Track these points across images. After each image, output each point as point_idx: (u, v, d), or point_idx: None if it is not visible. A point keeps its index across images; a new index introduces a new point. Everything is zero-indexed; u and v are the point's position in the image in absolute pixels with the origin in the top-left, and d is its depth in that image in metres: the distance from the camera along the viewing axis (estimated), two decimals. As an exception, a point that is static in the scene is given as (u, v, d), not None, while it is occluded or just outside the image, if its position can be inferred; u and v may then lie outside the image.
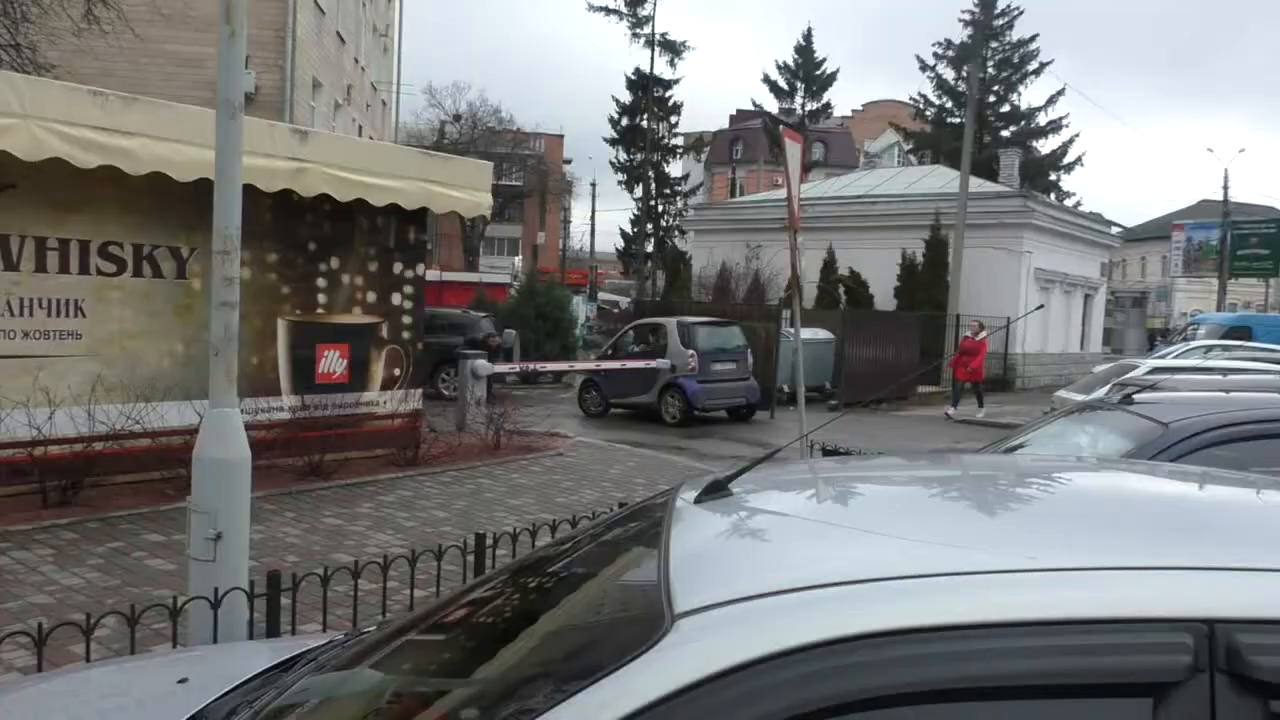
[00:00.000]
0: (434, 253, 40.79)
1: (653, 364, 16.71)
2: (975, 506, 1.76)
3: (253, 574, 4.94)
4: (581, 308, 35.63)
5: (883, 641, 1.28)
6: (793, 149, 8.74)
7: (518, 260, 62.84)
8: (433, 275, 24.46)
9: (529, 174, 61.67)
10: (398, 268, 11.16)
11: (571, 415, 17.19)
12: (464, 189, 10.84)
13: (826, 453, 8.76)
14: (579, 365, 17.28)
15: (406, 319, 11.25)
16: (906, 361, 22.71)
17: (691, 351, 16.88)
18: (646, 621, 1.39)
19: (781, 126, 8.25)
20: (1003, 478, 2.05)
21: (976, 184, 28.60)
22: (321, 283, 10.50)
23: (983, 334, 19.87)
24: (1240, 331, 23.50)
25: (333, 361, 10.62)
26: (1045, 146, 48.59)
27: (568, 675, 1.42)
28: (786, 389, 20.33)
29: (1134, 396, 4.97)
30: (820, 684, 1.25)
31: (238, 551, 4.86)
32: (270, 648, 2.94)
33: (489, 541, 5.61)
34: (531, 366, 17.55)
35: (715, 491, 1.91)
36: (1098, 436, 4.82)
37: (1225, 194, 48.43)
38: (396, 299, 11.16)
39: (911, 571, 1.38)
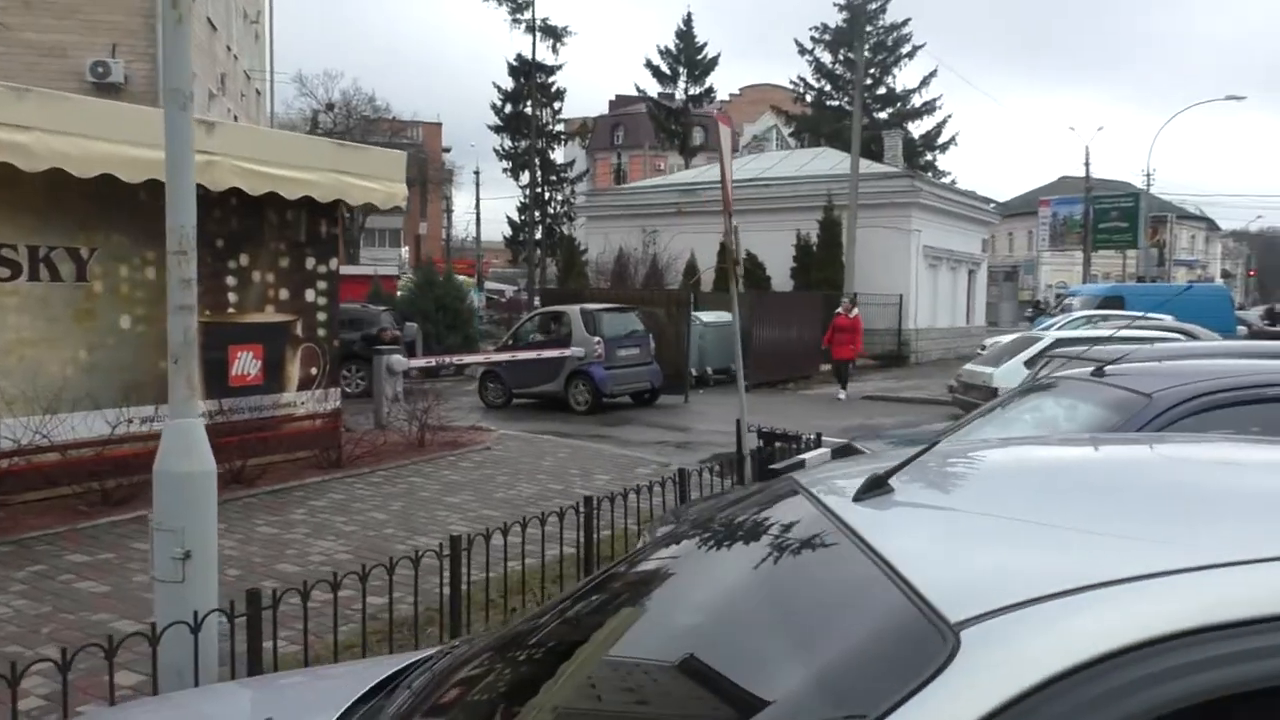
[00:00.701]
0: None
1: (566, 352, 16.58)
2: (1162, 495, 1.72)
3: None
4: (473, 297, 35.13)
5: (1199, 639, 1.23)
6: (725, 133, 8.72)
7: (404, 251, 61.56)
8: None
9: (408, 163, 60.50)
10: (310, 263, 10.78)
11: (475, 408, 16.91)
12: (378, 180, 10.53)
13: (765, 435, 8.84)
14: (495, 356, 16.98)
15: (321, 315, 10.89)
16: (810, 340, 23.13)
17: (597, 338, 16.90)
18: (909, 638, 1.30)
19: (715, 112, 8.23)
20: (1155, 461, 2.02)
21: (865, 165, 29.22)
22: (231, 281, 10.05)
23: (855, 310, 19.88)
24: (1114, 301, 24.58)
25: (247, 363, 10.19)
26: (921, 128, 50.06)
27: (825, 713, 1.31)
28: (695, 372, 20.55)
29: (1105, 369, 5.07)
30: (1151, 687, 1.19)
31: (207, 570, 4.59)
32: (317, 675, 2.74)
33: (464, 544, 5.43)
34: (447, 360, 17.19)
35: (876, 489, 1.83)
36: (1075, 409, 4.90)
37: (1087, 170, 50.54)
38: (310, 295, 10.78)
39: (1172, 567, 1.33)
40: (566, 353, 16.75)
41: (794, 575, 1.74)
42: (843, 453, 6.78)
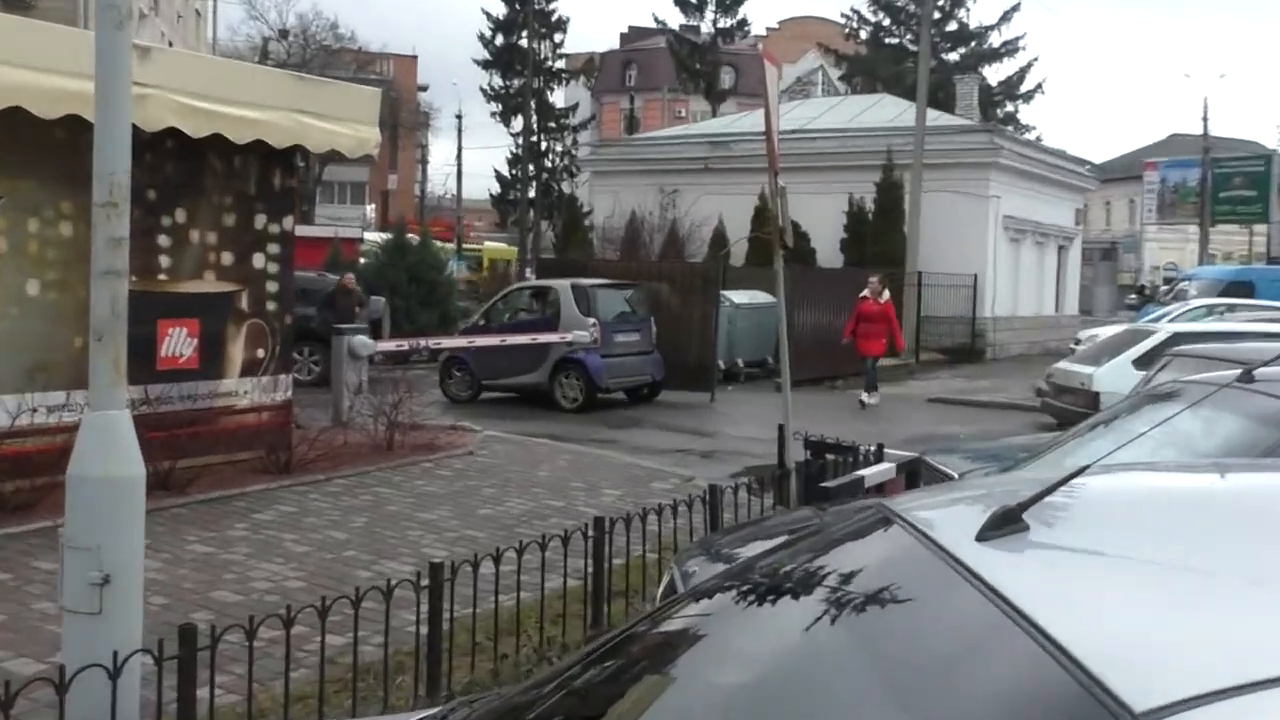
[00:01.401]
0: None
1: (564, 336, 16.54)
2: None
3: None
4: (453, 267, 35.18)
5: None
6: (771, 73, 8.64)
7: (369, 209, 61.69)
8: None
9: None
10: (260, 221, 10.72)
11: (435, 401, 16.87)
12: (347, 122, 10.45)
13: (813, 445, 8.75)
14: (479, 341, 16.92)
15: (272, 286, 10.84)
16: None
17: (593, 320, 16.96)
18: None
19: (760, 48, 8.03)
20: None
21: (933, 116, 29.10)
22: (164, 241, 9.99)
23: (886, 294, 19.34)
24: (1241, 288, 24.36)
25: (179, 342, 10.14)
26: (1000, 72, 49.83)
27: None
28: (723, 365, 20.49)
29: (1254, 373, 4.97)
30: None
31: (130, 600, 4.53)
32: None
33: (446, 574, 5.35)
34: (421, 344, 17.11)
35: (1006, 526, 1.73)
36: (1215, 423, 4.81)
37: (1205, 127, 50.22)
38: (259, 260, 10.73)
39: None
40: (566, 337, 16.69)
41: (909, 642, 1.63)
42: (912, 470, 6.70)
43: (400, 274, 23.63)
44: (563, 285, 17.69)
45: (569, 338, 16.72)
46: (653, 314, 18.32)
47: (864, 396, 18.63)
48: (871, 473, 7.44)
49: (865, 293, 19.07)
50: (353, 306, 19.13)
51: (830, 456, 8.30)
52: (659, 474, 11.44)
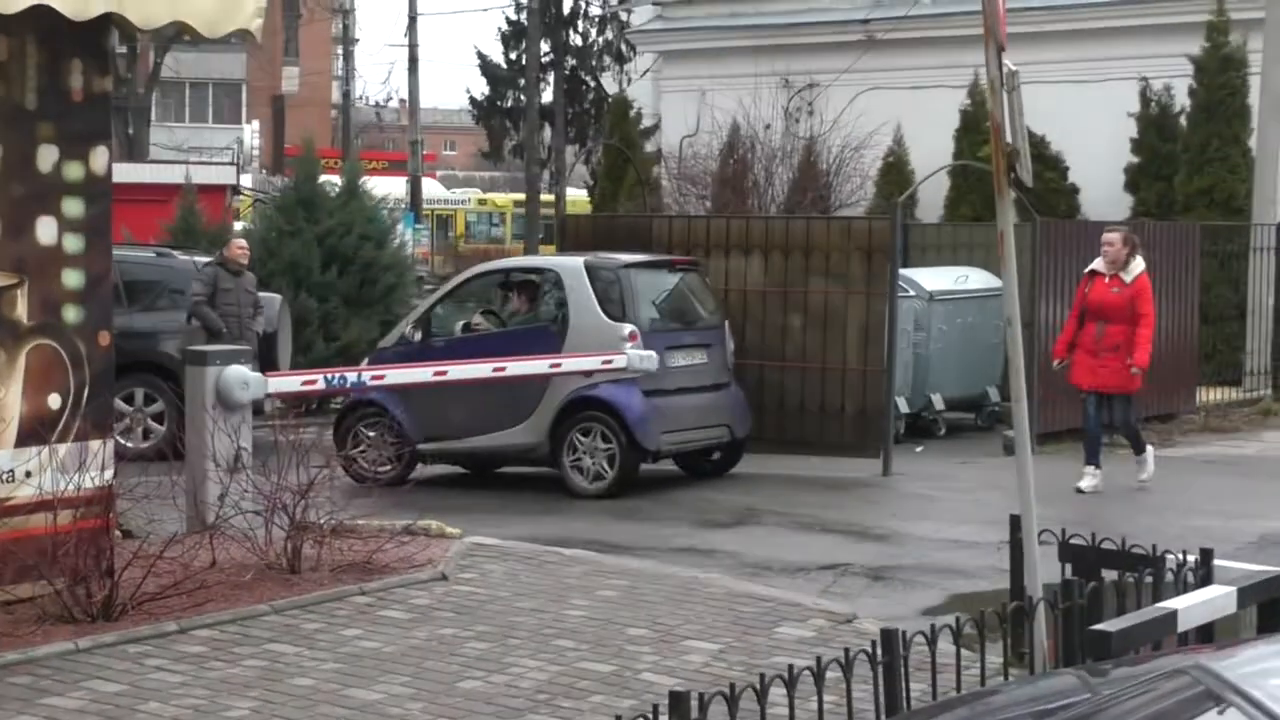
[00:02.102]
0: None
1: (613, 360, 16.67)
2: None
3: None
4: (407, 234, 35.43)
5: None
6: None
7: (250, 132, 62.33)
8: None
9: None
10: (48, 157, 10.86)
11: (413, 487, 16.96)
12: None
13: (1074, 553, 8.71)
14: (472, 372, 16.87)
15: (73, 276, 10.99)
16: (1173, 333, 23.16)
17: (630, 328, 17.28)
18: None
19: None
20: None
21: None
22: None
23: (1137, 265, 17.67)
24: None
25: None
26: None
27: None
28: (906, 409, 20.43)
29: None
30: None
31: None
32: None
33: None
34: (346, 378, 17.08)
35: None
36: None
37: None
38: (48, 231, 10.85)
39: None
40: (610, 360, 16.74)
41: None
42: (1271, 601, 6.64)
43: (307, 250, 23.95)
44: (570, 266, 18.20)
45: (619, 361, 16.80)
46: (733, 315, 18.77)
47: (1085, 477, 17.51)
48: (1189, 605, 7.38)
49: (1096, 264, 17.91)
50: (247, 304, 19.41)
51: (1110, 574, 8.33)
52: (790, 611, 11.42)
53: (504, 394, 17.29)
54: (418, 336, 18.50)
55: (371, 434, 18.00)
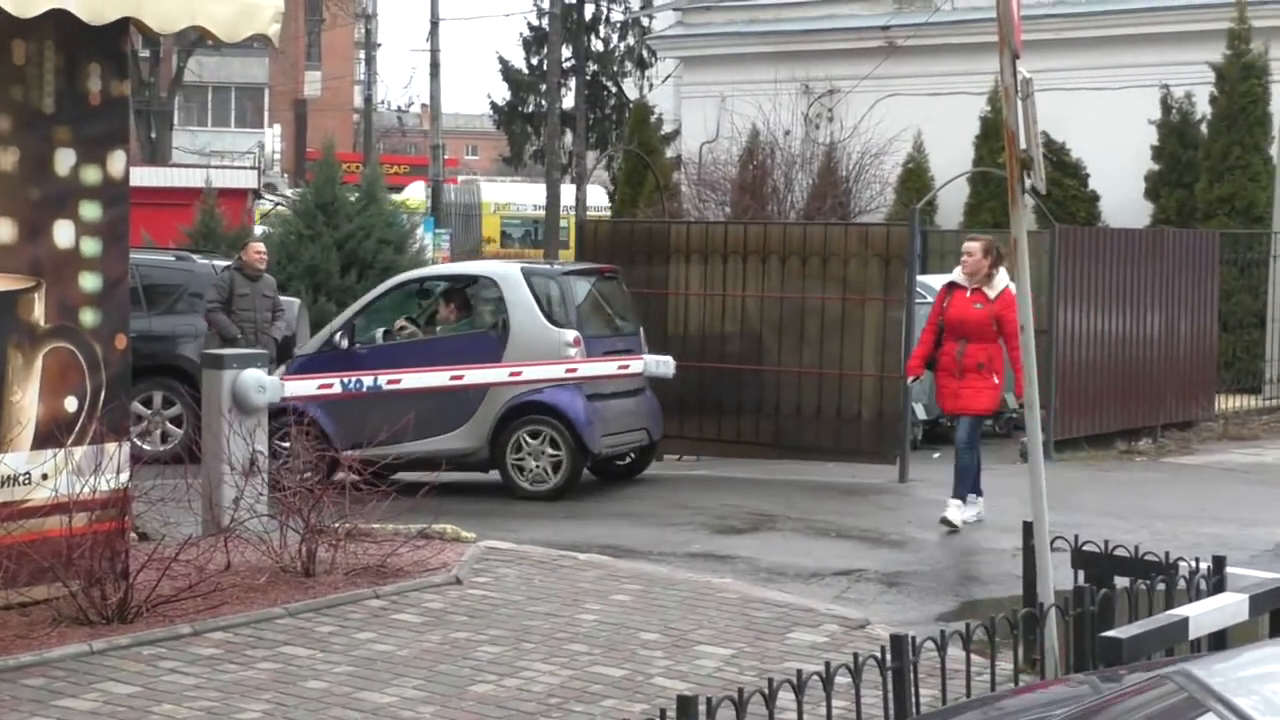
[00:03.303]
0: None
1: (651, 365, 17.28)
2: None
3: None
4: (427, 238, 35.46)
5: None
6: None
7: (273, 136, 62.44)
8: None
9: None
10: (66, 161, 10.86)
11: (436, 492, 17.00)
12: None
13: (1087, 560, 8.72)
14: (486, 376, 16.95)
15: (91, 281, 10.99)
16: (1192, 339, 23.22)
17: (574, 334, 17.46)
18: None
19: None
20: None
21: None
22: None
23: (1001, 278, 15.99)
24: None
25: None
26: None
27: None
28: (924, 416, 20.44)
29: None
30: None
31: None
32: None
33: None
34: (365, 382, 17.06)
35: None
36: None
37: None
38: (66, 234, 10.86)
39: None
40: (635, 364, 16.74)
41: None
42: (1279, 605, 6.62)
43: (326, 254, 23.95)
44: (508, 273, 18.30)
45: (635, 366, 16.92)
46: (750, 321, 19.06)
47: (950, 508, 15.83)
48: (1201, 612, 7.37)
49: (955, 275, 16.73)
50: (264, 309, 19.41)
51: (1124, 580, 8.34)
52: (803, 616, 11.43)
53: (440, 400, 17.22)
54: (345, 343, 18.43)
55: (286, 444, 17.55)
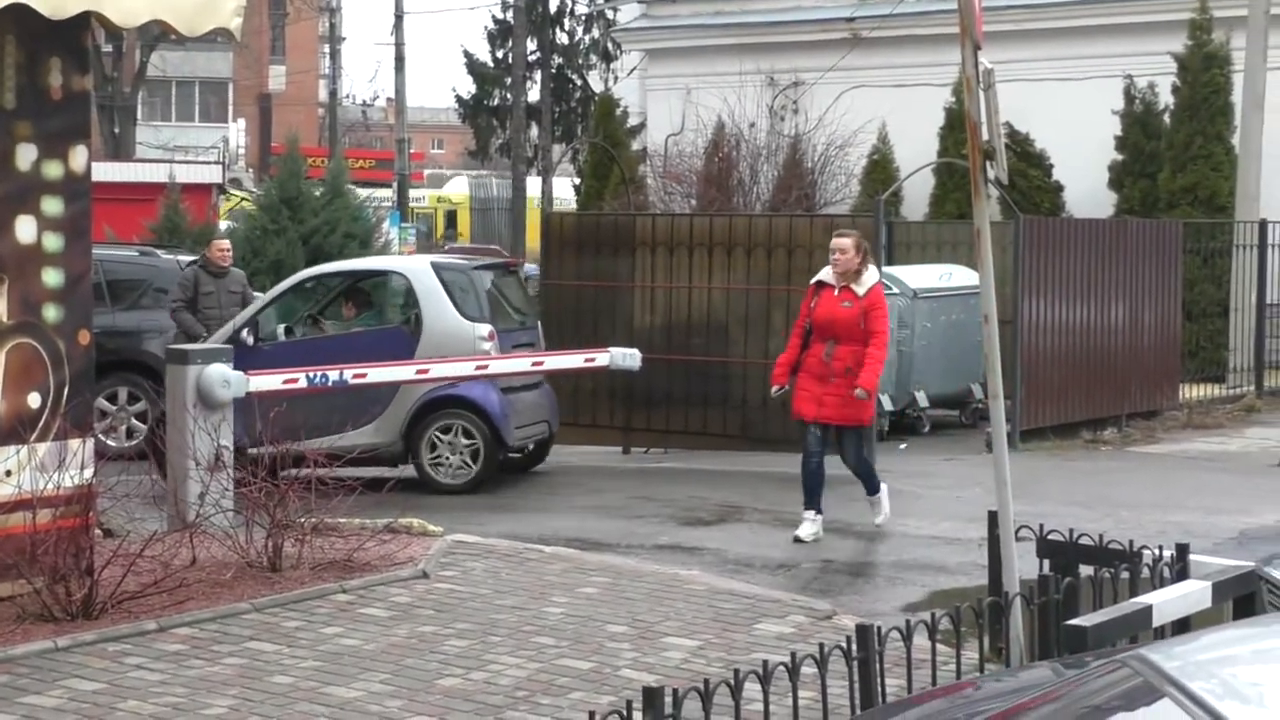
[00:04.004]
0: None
1: (619, 358, 17.14)
2: None
3: None
4: (393, 231, 35.42)
5: None
6: None
7: (236, 131, 62.30)
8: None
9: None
10: (27, 156, 10.83)
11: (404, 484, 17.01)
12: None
13: (1051, 548, 8.76)
14: (457, 367, 16.93)
15: (53, 276, 10.98)
16: (1158, 329, 23.33)
17: (488, 328, 17.55)
18: None
19: None
20: None
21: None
22: None
23: (869, 275, 15.31)
24: None
25: None
26: None
27: None
28: (892, 406, 20.51)
29: None
30: None
31: None
32: None
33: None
34: (327, 377, 17.05)
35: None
36: None
37: None
38: (28, 230, 10.83)
39: None
40: (574, 362, 16.82)
41: None
42: (1246, 596, 6.65)
43: (291, 249, 23.88)
44: (417, 267, 18.47)
45: (601, 359, 16.93)
46: (717, 313, 19.09)
47: (803, 523, 15.14)
48: (1165, 600, 7.41)
49: (824, 274, 15.66)
50: (231, 304, 19.38)
51: (1088, 569, 8.37)
52: (770, 608, 11.48)
53: (350, 395, 17.12)
54: (251, 339, 18.06)
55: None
